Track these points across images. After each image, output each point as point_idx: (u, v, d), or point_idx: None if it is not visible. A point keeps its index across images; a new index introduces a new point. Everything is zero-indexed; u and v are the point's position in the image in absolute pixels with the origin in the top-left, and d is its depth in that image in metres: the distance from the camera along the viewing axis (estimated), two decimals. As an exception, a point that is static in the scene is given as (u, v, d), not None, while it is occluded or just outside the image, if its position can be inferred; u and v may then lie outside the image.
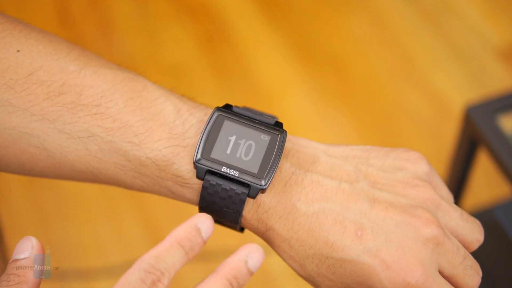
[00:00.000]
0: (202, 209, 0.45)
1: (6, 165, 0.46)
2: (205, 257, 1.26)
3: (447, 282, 0.43)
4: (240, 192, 0.44)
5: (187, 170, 0.44)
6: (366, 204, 0.43)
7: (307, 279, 0.45)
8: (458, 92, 1.48)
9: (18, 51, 0.45)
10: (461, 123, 0.97)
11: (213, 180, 0.44)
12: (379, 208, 0.43)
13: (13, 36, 0.45)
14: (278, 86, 1.52)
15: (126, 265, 1.26)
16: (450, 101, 1.47)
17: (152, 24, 1.65)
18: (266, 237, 0.46)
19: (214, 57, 1.58)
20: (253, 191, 0.44)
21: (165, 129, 0.45)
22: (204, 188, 0.44)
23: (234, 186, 0.44)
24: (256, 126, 0.45)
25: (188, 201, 0.46)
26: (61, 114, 0.44)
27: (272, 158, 0.44)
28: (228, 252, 1.43)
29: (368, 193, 0.44)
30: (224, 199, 0.44)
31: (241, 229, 0.47)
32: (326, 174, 0.44)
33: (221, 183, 0.44)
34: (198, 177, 0.44)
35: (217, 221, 0.46)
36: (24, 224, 1.32)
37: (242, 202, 0.44)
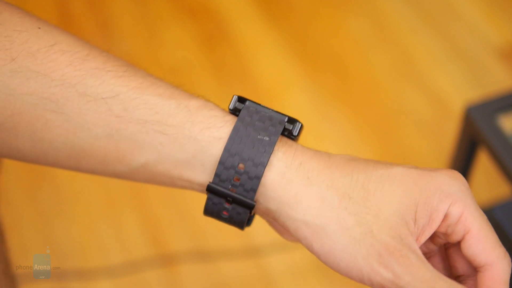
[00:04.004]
0: (229, 144, 0.43)
1: (16, 135, 0.44)
2: (205, 257, 1.26)
3: None
4: (280, 116, 0.45)
5: (221, 111, 0.45)
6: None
7: (351, 211, 0.42)
8: (458, 92, 1.48)
9: (39, 28, 0.44)
10: (461, 123, 0.97)
11: (253, 106, 0.45)
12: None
13: (32, 17, 0.45)
14: (278, 85, 1.52)
15: (126, 265, 1.26)
16: (450, 101, 1.47)
17: (152, 24, 1.65)
18: (297, 177, 0.43)
19: (214, 57, 1.58)
20: (292, 121, 0.45)
21: (193, 94, 0.46)
22: (244, 108, 0.44)
23: (273, 112, 0.45)
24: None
25: (212, 154, 0.44)
26: (83, 78, 0.43)
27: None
28: (228, 252, 1.43)
29: None
30: (263, 121, 0.44)
31: (251, 218, 0.46)
32: None
33: (261, 109, 0.45)
34: (236, 107, 0.45)
35: (233, 184, 0.44)
36: (24, 224, 1.32)
37: (282, 123, 0.44)
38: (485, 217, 0.43)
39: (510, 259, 0.42)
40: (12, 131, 0.44)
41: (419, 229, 0.42)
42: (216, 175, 0.44)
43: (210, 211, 0.45)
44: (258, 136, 0.43)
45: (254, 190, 0.43)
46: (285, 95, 1.50)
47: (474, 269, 0.44)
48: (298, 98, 1.50)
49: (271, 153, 0.43)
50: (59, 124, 0.43)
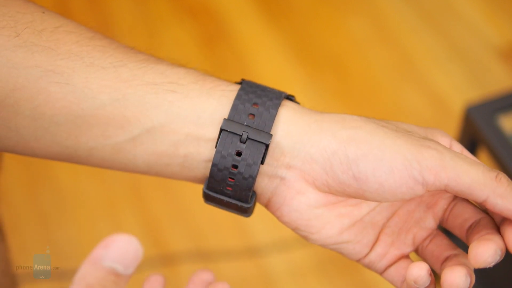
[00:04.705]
0: (234, 109, 0.44)
1: (16, 112, 0.42)
2: (205, 257, 1.26)
3: None
4: (280, 92, 0.46)
5: (226, 81, 0.46)
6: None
7: (382, 124, 0.44)
8: (458, 92, 1.48)
9: (43, 12, 0.44)
10: (461, 123, 0.97)
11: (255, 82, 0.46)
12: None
13: (35, 3, 0.45)
14: (278, 86, 1.51)
15: (126, 265, 1.26)
16: (450, 101, 1.47)
17: (152, 24, 1.65)
18: (310, 130, 0.44)
19: (214, 57, 1.58)
20: (291, 97, 0.47)
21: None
22: (245, 82, 0.45)
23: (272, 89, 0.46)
24: None
25: (221, 108, 0.44)
26: (91, 52, 0.43)
27: None
28: (228, 252, 1.43)
29: None
30: (265, 90, 0.45)
31: (251, 199, 0.44)
32: None
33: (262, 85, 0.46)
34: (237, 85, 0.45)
35: (235, 162, 0.43)
36: (24, 224, 1.32)
37: (280, 98, 0.45)
38: (461, 158, 0.43)
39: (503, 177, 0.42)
40: (13, 107, 0.42)
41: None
42: (222, 135, 0.43)
43: (212, 195, 0.44)
44: (263, 98, 0.45)
45: (268, 129, 0.43)
46: (285, 95, 1.50)
47: (483, 211, 0.45)
48: (298, 98, 1.49)
49: (279, 105, 0.44)
50: (62, 96, 0.42)
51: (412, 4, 1.65)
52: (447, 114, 1.45)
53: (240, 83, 0.46)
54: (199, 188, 0.45)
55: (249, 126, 0.43)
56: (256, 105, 0.44)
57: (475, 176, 0.41)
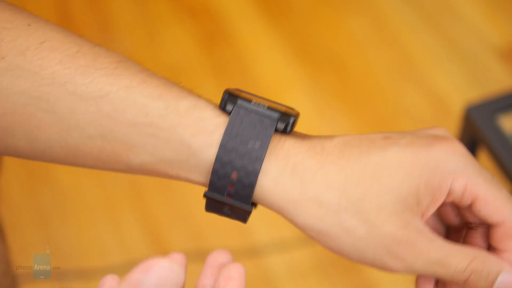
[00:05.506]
0: (221, 153, 0.42)
1: (11, 134, 0.43)
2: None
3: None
4: (271, 115, 0.43)
5: (210, 113, 0.43)
6: (384, 133, 0.44)
7: (352, 211, 0.41)
8: (458, 92, 1.48)
9: (29, 25, 0.44)
10: (461, 123, 0.96)
11: (243, 109, 0.43)
12: (397, 132, 0.44)
13: (22, 14, 0.45)
14: (278, 86, 1.52)
15: (126, 265, 1.26)
16: (450, 101, 1.47)
17: (152, 24, 1.65)
18: (291, 181, 0.43)
19: (214, 57, 1.58)
20: (284, 119, 0.43)
21: (185, 90, 0.45)
22: (232, 116, 0.43)
23: (264, 114, 0.43)
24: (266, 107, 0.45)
25: (204, 159, 0.43)
26: (73, 76, 0.43)
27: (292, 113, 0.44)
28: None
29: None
30: (253, 127, 0.43)
31: (253, 206, 0.44)
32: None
33: (251, 110, 0.43)
34: (226, 109, 0.43)
35: (229, 191, 0.43)
36: (24, 224, 1.32)
37: (272, 127, 0.43)
38: (490, 177, 0.43)
39: None
40: (7, 130, 0.43)
41: (423, 208, 0.42)
42: (211, 184, 0.43)
43: (211, 210, 0.45)
44: (249, 142, 0.42)
45: (249, 197, 0.43)
46: (285, 95, 1.50)
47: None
48: (298, 98, 1.50)
49: (262, 160, 0.42)
50: (52, 123, 0.43)
51: (412, 4, 1.65)
52: (447, 114, 1.44)
53: (225, 107, 0.44)
54: (199, 188, 0.45)
55: (230, 196, 0.43)
56: (235, 175, 0.43)
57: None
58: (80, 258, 1.28)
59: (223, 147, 0.42)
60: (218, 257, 0.44)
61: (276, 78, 1.53)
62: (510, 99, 0.95)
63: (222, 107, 0.44)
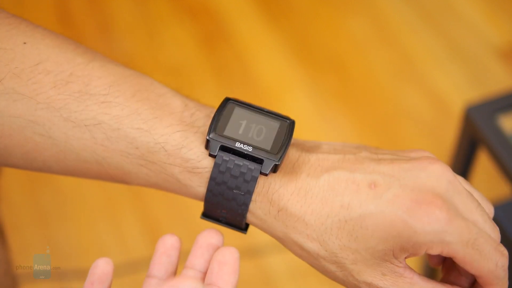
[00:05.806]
0: (209, 196, 0.45)
1: (9, 154, 0.45)
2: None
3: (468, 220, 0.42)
4: (253, 168, 0.44)
5: (197, 154, 0.45)
6: (373, 163, 0.44)
7: (330, 260, 0.44)
8: (458, 92, 1.48)
9: (25, 43, 0.45)
10: (461, 123, 0.97)
11: (226, 156, 0.44)
12: (386, 163, 0.43)
13: (19, 29, 0.45)
14: (278, 86, 1.52)
15: (126, 265, 1.26)
16: (450, 101, 1.47)
17: (152, 24, 1.65)
18: (277, 223, 0.45)
19: (214, 57, 1.58)
20: (267, 166, 0.44)
21: (175, 117, 0.45)
22: (215, 165, 0.44)
23: (247, 162, 0.44)
24: (266, 113, 0.46)
25: (194, 193, 0.46)
26: (67, 103, 0.44)
27: (283, 139, 0.45)
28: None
29: (372, 157, 0.45)
30: (236, 178, 0.44)
31: (246, 227, 0.47)
32: (330, 152, 0.46)
33: (234, 158, 0.44)
34: (210, 154, 0.44)
35: (221, 218, 0.46)
36: (24, 224, 1.32)
37: (254, 180, 0.44)
38: (469, 243, 0.41)
39: (506, 259, 0.43)
40: (5, 151, 0.45)
41: (402, 259, 0.43)
42: (204, 213, 0.46)
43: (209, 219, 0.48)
44: (234, 190, 0.44)
45: (241, 226, 0.46)
46: (285, 95, 1.50)
47: None
48: (298, 98, 1.50)
49: (248, 205, 0.44)
50: (48, 147, 0.45)
51: (412, 4, 1.65)
52: (447, 114, 1.45)
53: (209, 149, 0.45)
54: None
55: (224, 221, 0.47)
56: (225, 213, 0.46)
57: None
58: (80, 258, 1.28)
59: (210, 191, 0.44)
60: (209, 237, 0.45)
61: (276, 79, 1.53)
62: (510, 99, 0.95)
63: (207, 149, 0.45)
